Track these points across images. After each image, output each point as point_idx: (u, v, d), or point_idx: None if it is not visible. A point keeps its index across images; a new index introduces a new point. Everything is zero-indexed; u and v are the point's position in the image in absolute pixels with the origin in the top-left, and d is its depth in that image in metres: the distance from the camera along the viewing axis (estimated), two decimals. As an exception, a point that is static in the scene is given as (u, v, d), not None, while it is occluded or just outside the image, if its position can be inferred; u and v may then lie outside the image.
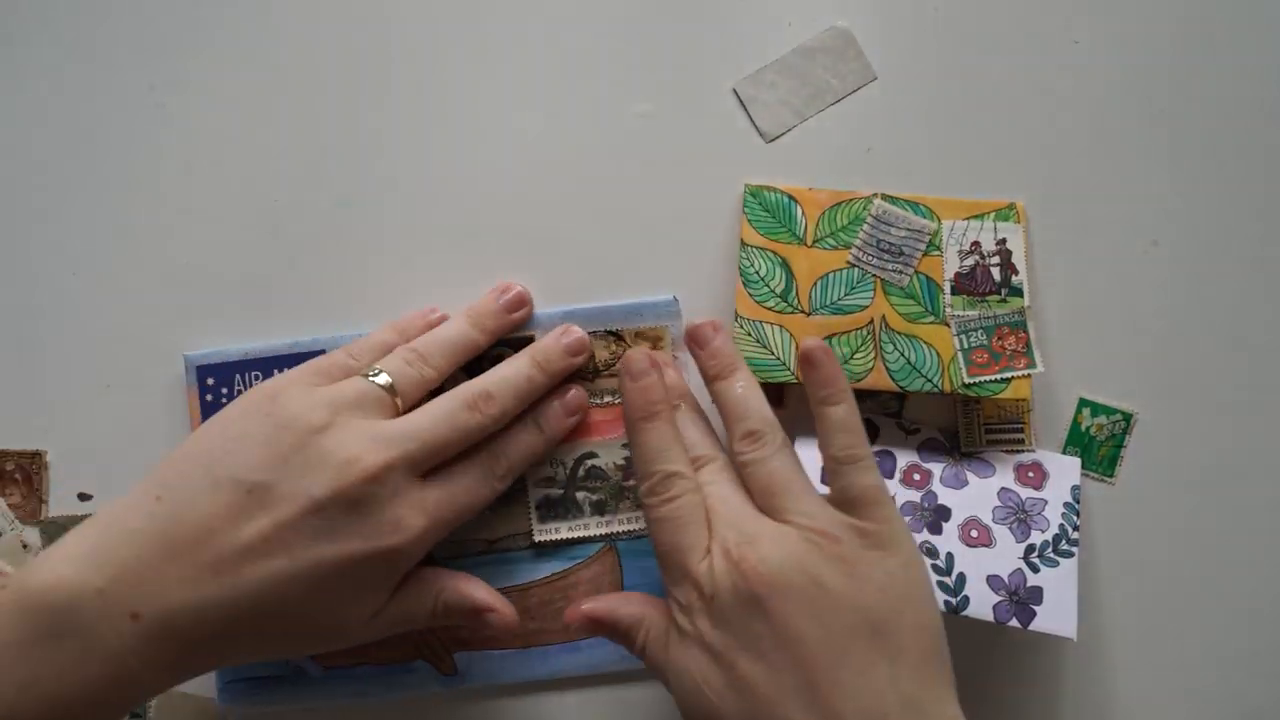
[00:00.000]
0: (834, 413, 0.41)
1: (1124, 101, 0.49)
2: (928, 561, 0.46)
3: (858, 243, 0.48)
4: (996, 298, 0.47)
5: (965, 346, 0.47)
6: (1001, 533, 0.47)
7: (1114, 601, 0.48)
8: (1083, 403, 0.48)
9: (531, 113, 0.49)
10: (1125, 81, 0.49)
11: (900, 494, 0.47)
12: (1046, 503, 0.47)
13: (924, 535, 0.47)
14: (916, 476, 0.48)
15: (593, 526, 0.48)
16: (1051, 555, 0.46)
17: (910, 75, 0.49)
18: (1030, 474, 0.48)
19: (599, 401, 0.48)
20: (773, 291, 0.48)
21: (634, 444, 0.42)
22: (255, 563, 0.38)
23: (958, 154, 0.49)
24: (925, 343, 0.47)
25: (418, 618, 0.43)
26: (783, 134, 0.49)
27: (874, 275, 0.47)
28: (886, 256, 0.48)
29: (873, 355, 0.47)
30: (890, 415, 0.49)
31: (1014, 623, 0.45)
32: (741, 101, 0.49)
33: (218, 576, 0.38)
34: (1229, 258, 0.49)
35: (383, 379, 0.43)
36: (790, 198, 0.48)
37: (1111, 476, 0.48)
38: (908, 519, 0.47)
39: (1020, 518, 0.47)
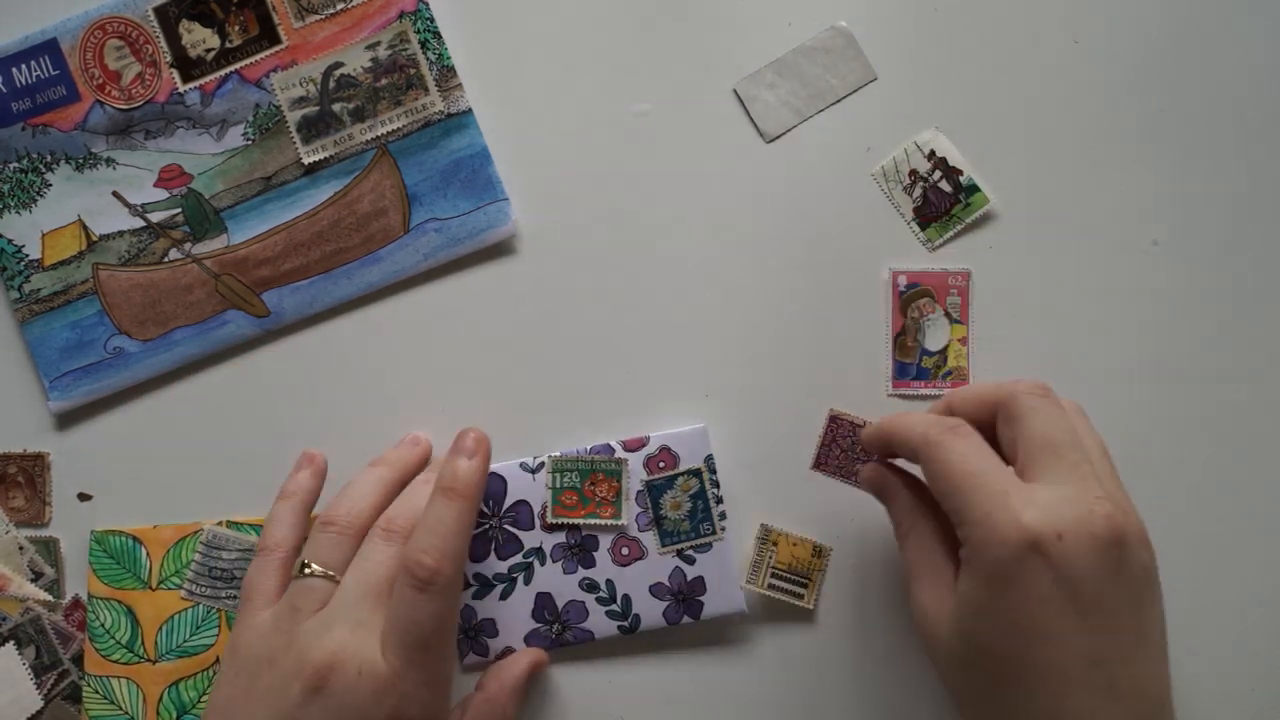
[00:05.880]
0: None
1: (1124, 101, 0.49)
2: (591, 596, 0.46)
3: (190, 574, 0.47)
4: (960, 206, 0.47)
5: (555, 486, 0.46)
6: (649, 539, 0.47)
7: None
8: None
9: (531, 111, 0.49)
10: (1125, 81, 0.49)
11: (546, 541, 0.47)
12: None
13: (579, 572, 0.46)
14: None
15: (357, 134, 0.47)
16: (699, 541, 0.46)
17: (910, 75, 0.49)
18: (661, 464, 0.47)
19: (332, 11, 0.47)
20: (118, 643, 0.47)
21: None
22: None
23: (957, 154, 0.49)
24: None
25: None
26: (783, 134, 0.49)
27: (215, 609, 0.47)
28: (220, 584, 0.47)
29: None
30: None
31: (686, 619, 0.46)
32: (741, 101, 0.49)
33: None
34: (1229, 258, 0.49)
35: (318, 571, 0.42)
36: (135, 539, 0.47)
37: (1112, 476, 0.48)
38: (559, 563, 0.47)
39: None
